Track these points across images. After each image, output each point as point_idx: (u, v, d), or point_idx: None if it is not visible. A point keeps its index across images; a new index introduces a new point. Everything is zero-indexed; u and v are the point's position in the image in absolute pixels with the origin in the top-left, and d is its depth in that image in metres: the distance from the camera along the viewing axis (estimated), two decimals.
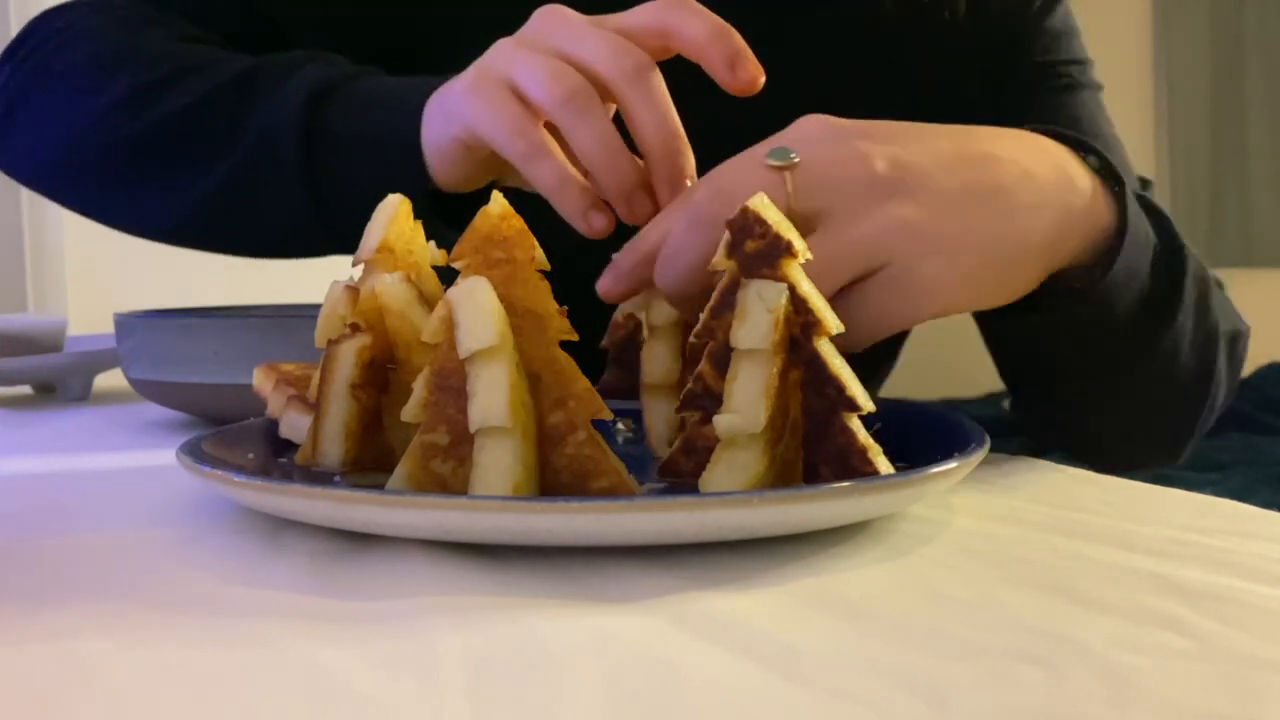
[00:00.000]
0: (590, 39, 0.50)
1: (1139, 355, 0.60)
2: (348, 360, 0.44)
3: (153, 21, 0.74)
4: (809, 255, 0.41)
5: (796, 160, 0.46)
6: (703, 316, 0.41)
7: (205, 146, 0.66)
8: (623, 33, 0.51)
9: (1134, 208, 0.54)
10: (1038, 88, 0.78)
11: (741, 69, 0.49)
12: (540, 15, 0.53)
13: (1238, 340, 0.70)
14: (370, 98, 0.62)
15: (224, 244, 0.74)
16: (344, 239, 0.60)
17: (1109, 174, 0.55)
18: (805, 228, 0.45)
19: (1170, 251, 0.58)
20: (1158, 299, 0.57)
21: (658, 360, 0.50)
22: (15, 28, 2.15)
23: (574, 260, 0.51)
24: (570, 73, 0.50)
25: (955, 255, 0.47)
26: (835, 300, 0.44)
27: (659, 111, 0.49)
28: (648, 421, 0.50)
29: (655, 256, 0.47)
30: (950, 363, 2.63)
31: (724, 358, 0.40)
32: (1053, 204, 0.50)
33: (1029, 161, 0.51)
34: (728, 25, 0.50)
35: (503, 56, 0.52)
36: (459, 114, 0.54)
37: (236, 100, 0.65)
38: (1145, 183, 0.78)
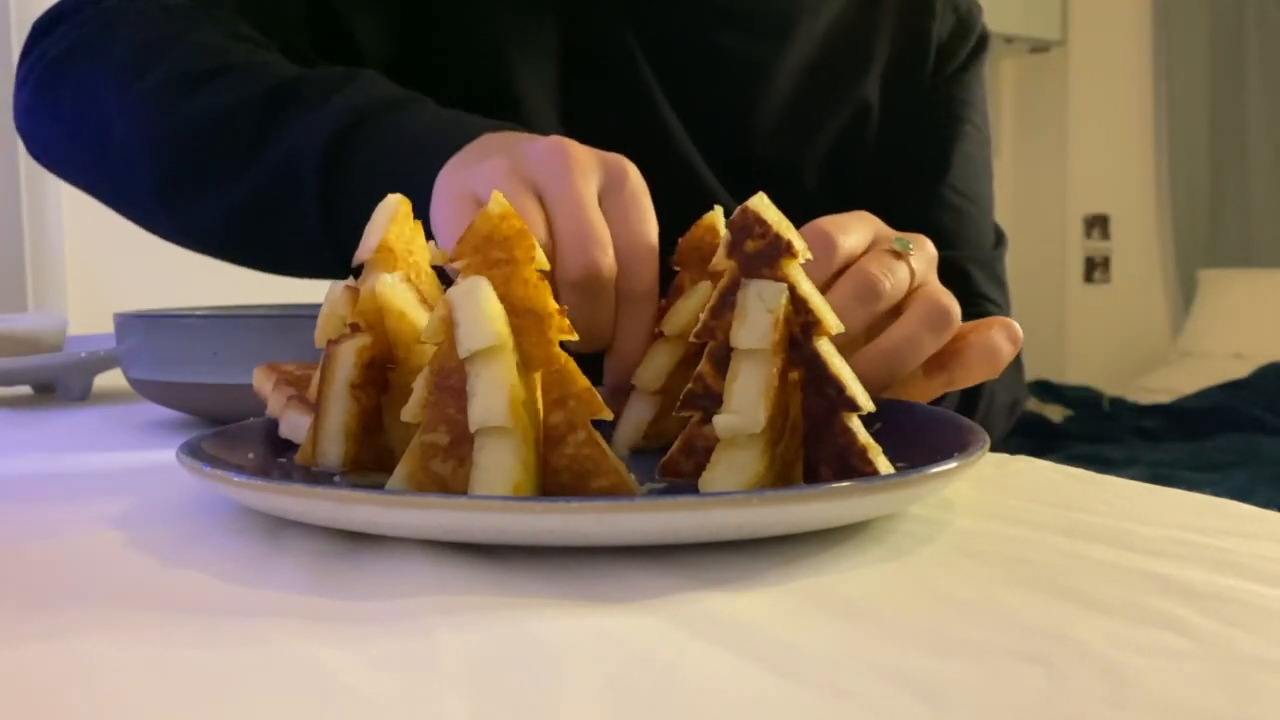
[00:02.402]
0: (564, 220, 0.48)
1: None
2: (348, 360, 0.44)
3: (209, 17, 0.73)
4: (809, 255, 0.41)
5: (913, 250, 0.53)
6: (703, 316, 0.42)
7: (233, 153, 0.65)
8: (620, 213, 0.49)
9: None
10: (948, 132, 0.91)
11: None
12: (546, 153, 0.50)
13: (1016, 407, 0.90)
14: (400, 137, 0.61)
15: (249, 258, 0.73)
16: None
17: None
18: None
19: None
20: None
21: (654, 365, 0.50)
22: (16, 27, 2.15)
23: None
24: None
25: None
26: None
27: (588, 322, 0.48)
28: (622, 419, 0.50)
29: None
30: None
31: (724, 358, 0.40)
32: None
33: None
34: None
35: (501, 181, 0.50)
36: (445, 217, 0.52)
37: (269, 111, 0.64)
38: (1000, 236, 0.94)
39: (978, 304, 0.89)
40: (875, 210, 0.55)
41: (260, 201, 0.65)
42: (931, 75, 0.91)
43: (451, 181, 0.54)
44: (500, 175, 0.50)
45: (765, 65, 0.84)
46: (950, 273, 0.87)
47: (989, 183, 0.94)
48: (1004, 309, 0.91)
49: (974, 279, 0.89)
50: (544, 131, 0.60)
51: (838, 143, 0.88)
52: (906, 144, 0.90)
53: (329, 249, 0.64)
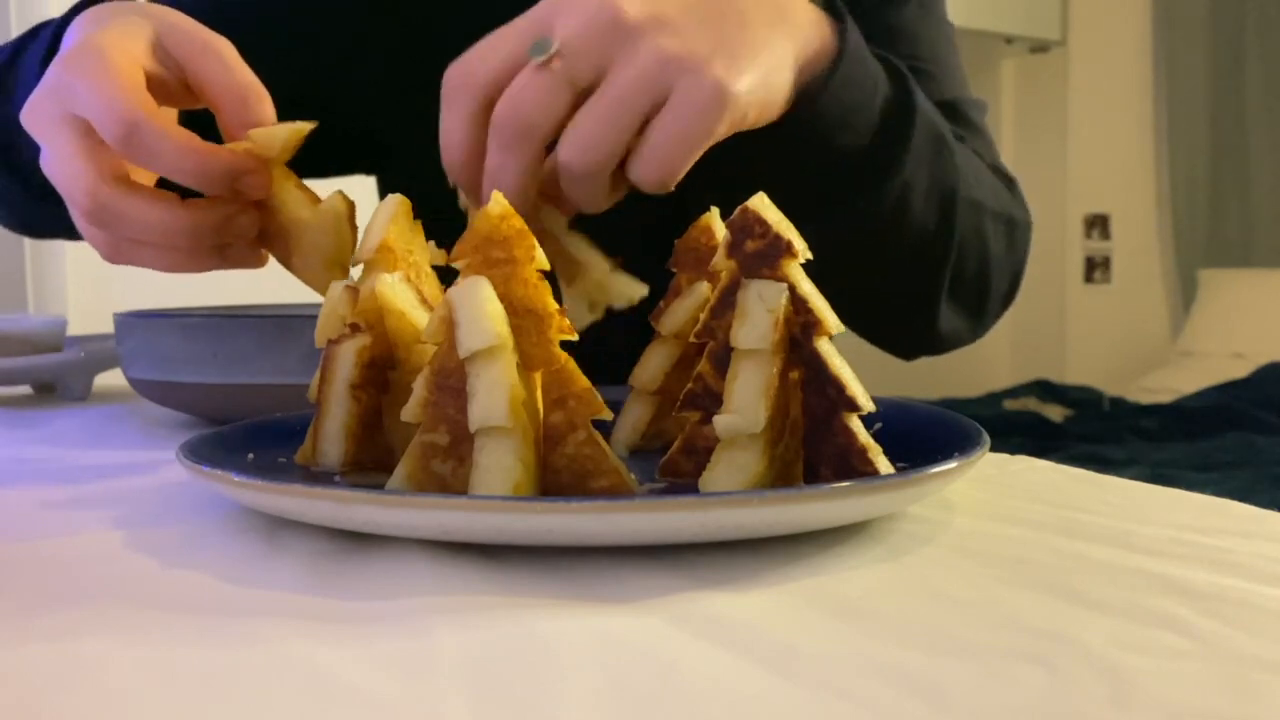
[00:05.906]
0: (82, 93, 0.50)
1: (867, 198, 0.62)
2: (348, 360, 0.44)
3: None
4: (809, 255, 0.41)
5: (558, 47, 0.48)
6: (703, 316, 0.42)
7: None
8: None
9: (856, 43, 0.59)
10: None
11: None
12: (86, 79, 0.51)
13: (1014, 226, 0.74)
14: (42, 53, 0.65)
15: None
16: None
17: (837, 15, 0.60)
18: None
19: (900, 103, 0.62)
20: (884, 143, 0.61)
21: (650, 365, 0.50)
22: (16, 28, 2.14)
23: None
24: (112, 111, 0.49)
25: (726, 66, 0.50)
26: (642, 139, 0.48)
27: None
28: (620, 419, 0.51)
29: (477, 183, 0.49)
30: (950, 363, 2.63)
31: (724, 358, 0.40)
32: (786, 20, 0.56)
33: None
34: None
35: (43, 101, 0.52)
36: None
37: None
38: (976, 101, 0.82)
39: None
40: None
41: None
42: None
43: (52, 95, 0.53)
44: (43, 94, 0.52)
45: None
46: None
47: (945, 47, 0.81)
48: (968, 142, 0.77)
49: None
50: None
51: None
52: None
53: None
